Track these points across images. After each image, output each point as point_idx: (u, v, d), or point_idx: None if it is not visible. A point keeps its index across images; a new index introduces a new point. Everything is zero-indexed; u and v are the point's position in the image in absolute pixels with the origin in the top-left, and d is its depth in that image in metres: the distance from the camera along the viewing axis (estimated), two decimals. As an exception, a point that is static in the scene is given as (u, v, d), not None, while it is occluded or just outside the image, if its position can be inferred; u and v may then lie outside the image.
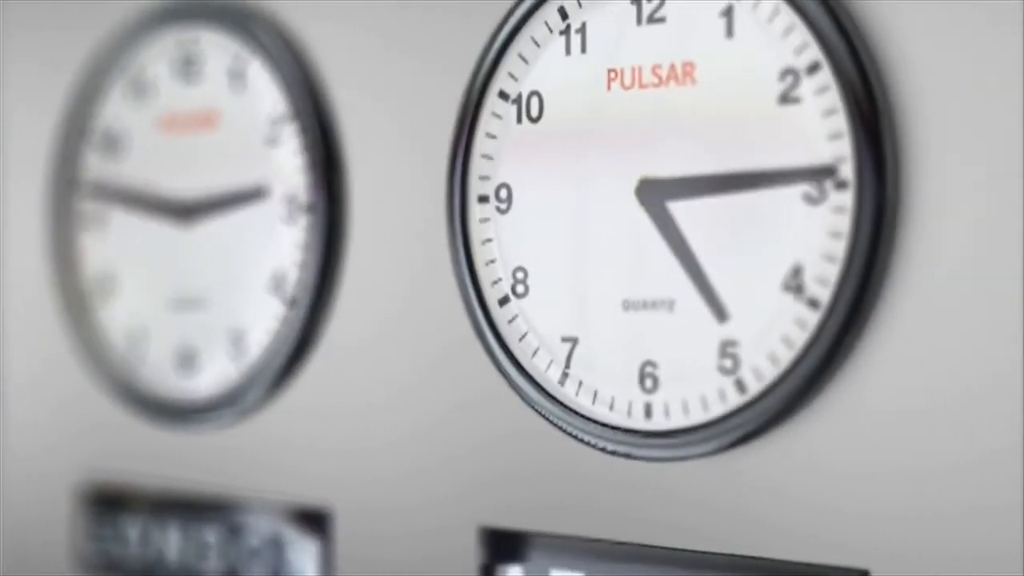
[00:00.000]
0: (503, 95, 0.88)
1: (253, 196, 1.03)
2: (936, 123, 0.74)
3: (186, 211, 1.07)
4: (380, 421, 0.97)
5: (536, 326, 0.87)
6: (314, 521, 1.00)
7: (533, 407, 0.86)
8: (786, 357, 0.77)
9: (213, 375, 1.06)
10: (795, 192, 0.77)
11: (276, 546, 1.02)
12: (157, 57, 1.11)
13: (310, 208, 0.99)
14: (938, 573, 0.73)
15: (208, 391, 1.06)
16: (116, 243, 1.14)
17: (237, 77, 1.05)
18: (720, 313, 0.79)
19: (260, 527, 1.03)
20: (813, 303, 0.76)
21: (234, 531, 1.05)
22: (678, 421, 0.81)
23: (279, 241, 1.01)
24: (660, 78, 0.82)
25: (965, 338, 0.72)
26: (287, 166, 1.01)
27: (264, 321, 1.02)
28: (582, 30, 0.85)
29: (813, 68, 0.76)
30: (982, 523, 0.72)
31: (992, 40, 0.72)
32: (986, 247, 0.72)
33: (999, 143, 0.72)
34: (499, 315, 0.88)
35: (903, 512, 0.75)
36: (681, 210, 0.81)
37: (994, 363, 0.71)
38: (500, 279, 0.88)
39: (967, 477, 0.72)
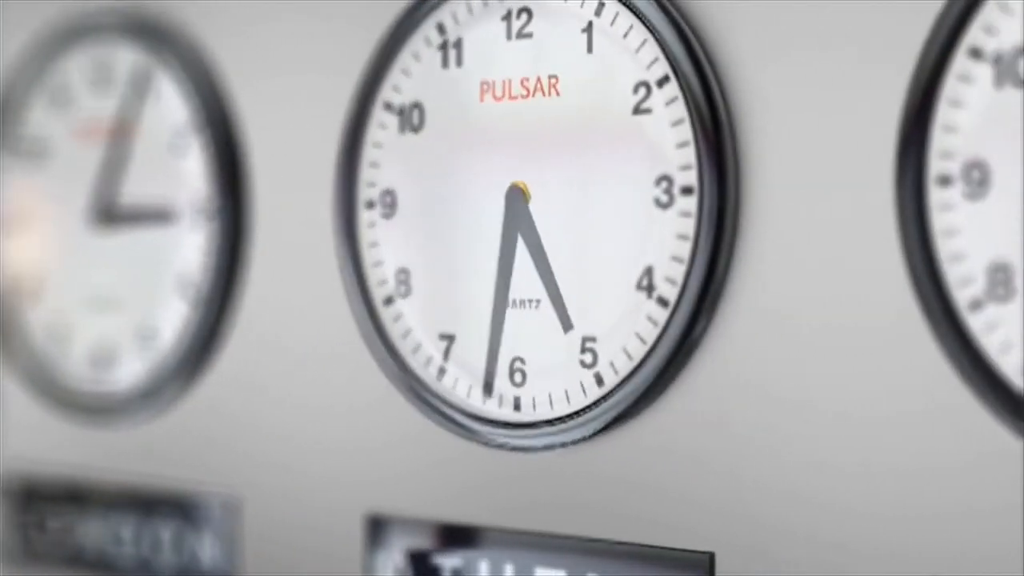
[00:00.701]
0: (388, 106, 0.93)
1: (161, 216, 1.09)
2: (773, 132, 0.79)
3: (104, 220, 1.12)
4: (284, 415, 1.01)
5: (417, 326, 0.92)
6: (224, 510, 1.05)
7: (413, 401, 0.92)
8: (639, 352, 0.82)
9: (129, 372, 1.11)
10: (648, 198, 0.82)
11: (187, 536, 1.07)
12: (74, 68, 1.15)
13: (215, 215, 1.04)
14: (783, 557, 0.78)
15: (124, 387, 1.11)
16: (37, 245, 1.18)
17: (147, 88, 1.10)
18: (566, 322, 0.85)
19: (172, 517, 1.08)
20: (663, 301, 0.81)
21: (148, 522, 1.10)
22: (543, 413, 0.86)
23: (187, 245, 1.06)
24: (528, 90, 0.87)
25: (800, 331, 0.78)
26: (193, 175, 1.06)
27: (173, 321, 1.07)
28: (458, 45, 0.91)
29: (663, 81, 0.81)
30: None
31: (824, 56, 0.77)
32: (819, 245, 0.77)
33: (829, 149, 0.77)
34: (387, 314, 0.94)
35: (749, 497, 0.80)
36: (543, 215, 0.86)
37: (826, 351, 0.77)
38: (386, 280, 0.93)
39: (808, 463, 0.78)
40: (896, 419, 0.75)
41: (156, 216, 1.09)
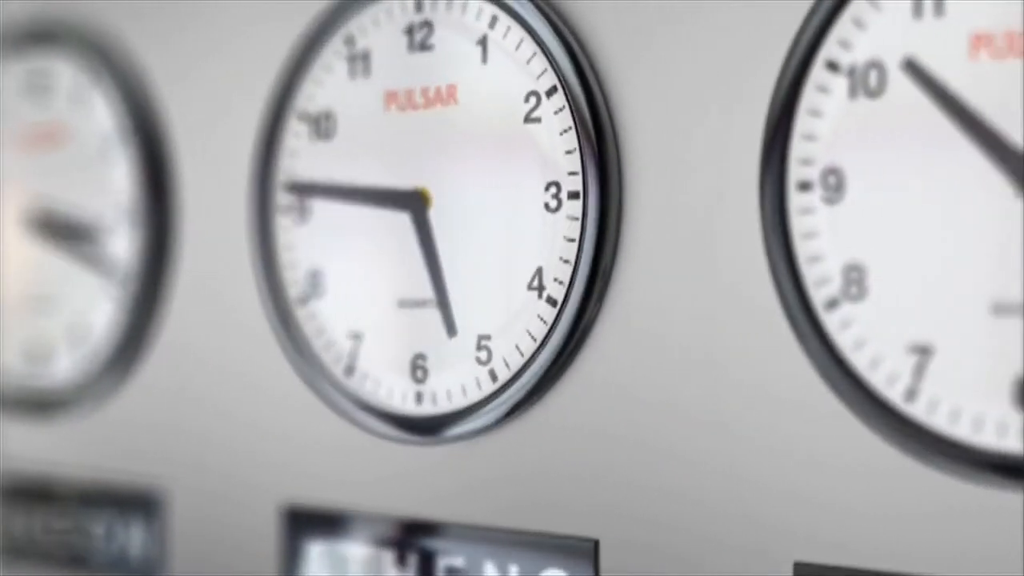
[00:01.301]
0: (302, 116, 0.98)
1: (84, 235, 1.14)
2: (651, 139, 0.83)
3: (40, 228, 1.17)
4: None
5: (329, 325, 0.96)
6: (150, 503, 1.09)
7: (323, 398, 0.96)
8: (529, 348, 0.86)
9: (63, 367, 1.15)
10: (538, 202, 0.86)
11: (117, 528, 1.11)
12: (8, 78, 1.19)
13: (143, 219, 1.09)
14: (663, 541, 0.83)
15: (59, 382, 1.16)
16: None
17: (78, 97, 1.14)
18: (451, 327, 0.90)
19: (103, 510, 1.13)
20: (552, 301, 0.86)
21: (81, 515, 1.14)
22: (443, 407, 0.90)
23: (117, 249, 1.11)
24: (428, 99, 0.92)
25: (675, 329, 0.82)
26: (121, 181, 1.11)
27: (105, 318, 1.12)
28: (366, 56, 0.95)
29: (551, 91, 0.86)
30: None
31: (696, 69, 0.82)
32: (693, 248, 0.82)
33: (699, 156, 0.81)
34: (301, 314, 0.98)
35: (631, 482, 0.84)
36: (443, 220, 0.91)
37: (697, 349, 0.81)
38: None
39: (680, 456, 0.82)
40: (760, 412, 0.79)
41: (86, 226, 1.13)
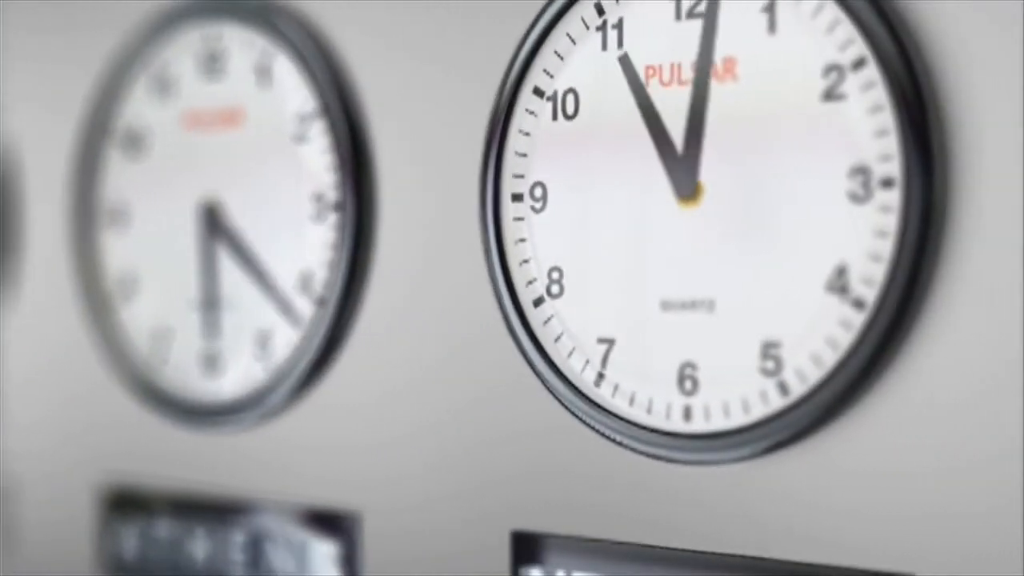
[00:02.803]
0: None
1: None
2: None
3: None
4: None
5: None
6: (340, 524, 0.98)
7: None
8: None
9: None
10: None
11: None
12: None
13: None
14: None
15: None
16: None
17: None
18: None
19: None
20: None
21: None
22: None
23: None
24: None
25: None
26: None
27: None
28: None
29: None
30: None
31: (432, 88, 0.90)
32: (430, 252, 0.89)
33: (438, 168, 0.90)
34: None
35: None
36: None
37: (432, 345, 0.90)
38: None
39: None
40: (474, 398, 0.90)
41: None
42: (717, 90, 0.80)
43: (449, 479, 0.93)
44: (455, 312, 0.92)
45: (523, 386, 0.88)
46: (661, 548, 0.82)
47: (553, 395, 0.86)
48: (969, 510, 0.72)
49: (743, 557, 0.79)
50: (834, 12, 0.75)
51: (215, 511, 1.06)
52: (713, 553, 0.80)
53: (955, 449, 0.73)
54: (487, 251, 0.89)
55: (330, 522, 0.98)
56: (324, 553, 0.99)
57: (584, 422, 0.85)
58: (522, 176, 0.87)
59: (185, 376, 1.08)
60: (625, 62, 0.83)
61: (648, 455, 0.82)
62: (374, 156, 0.96)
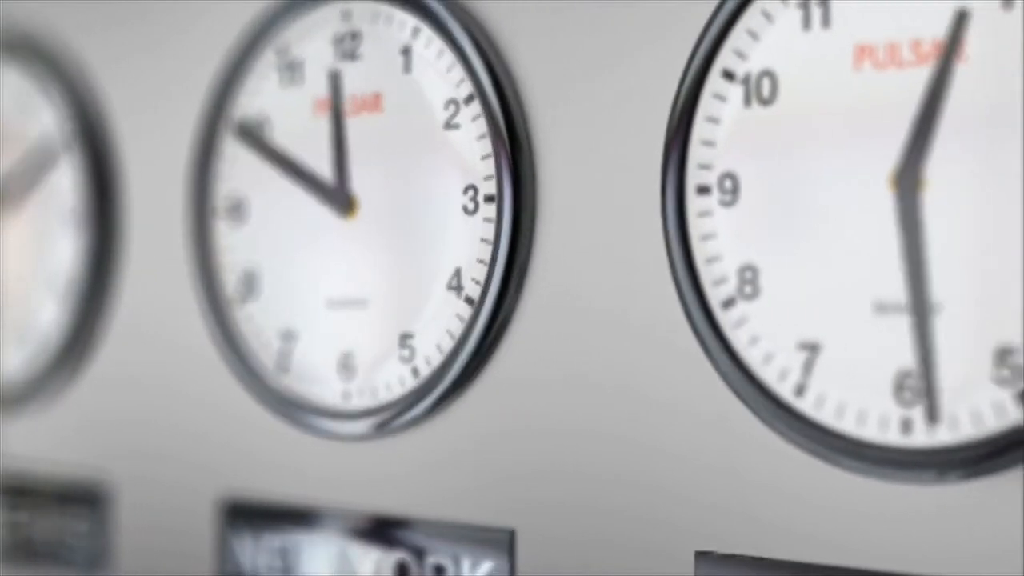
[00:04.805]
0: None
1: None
2: (563, 142, 0.87)
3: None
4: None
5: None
6: (498, 542, 0.91)
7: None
8: (448, 346, 0.91)
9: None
10: (457, 206, 0.90)
11: (62, 521, 1.14)
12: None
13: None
14: (578, 532, 0.86)
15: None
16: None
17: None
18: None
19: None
20: (469, 300, 0.90)
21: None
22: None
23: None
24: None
25: (594, 318, 0.86)
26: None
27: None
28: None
29: (469, 99, 0.90)
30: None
31: (604, 78, 0.86)
32: (606, 245, 0.86)
33: (611, 158, 0.86)
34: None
35: (550, 471, 0.87)
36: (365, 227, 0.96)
37: (614, 340, 0.86)
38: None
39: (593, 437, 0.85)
40: (659, 402, 0.83)
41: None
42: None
43: (618, 497, 0.86)
44: (629, 316, 0.86)
45: (712, 397, 0.81)
46: (853, 570, 0.76)
47: (747, 406, 0.79)
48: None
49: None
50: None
51: (343, 525, 1.00)
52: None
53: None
54: (669, 249, 0.82)
55: (480, 539, 0.91)
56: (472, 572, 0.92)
57: (784, 436, 0.77)
58: (709, 167, 0.81)
59: (312, 380, 1.00)
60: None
61: (856, 472, 0.75)
62: (534, 144, 0.90)
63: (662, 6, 0.84)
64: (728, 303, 0.80)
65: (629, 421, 0.85)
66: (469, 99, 0.91)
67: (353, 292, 0.98)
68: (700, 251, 0.81)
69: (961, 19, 0.72)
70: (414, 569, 0.95)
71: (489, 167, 0.90)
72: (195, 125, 1.09)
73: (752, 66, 0.79)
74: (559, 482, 0.88)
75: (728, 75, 0.80)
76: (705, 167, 0.81)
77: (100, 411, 1.17)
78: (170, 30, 1.12)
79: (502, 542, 0.90)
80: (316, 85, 1.00)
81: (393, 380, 0.95)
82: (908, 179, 0.73)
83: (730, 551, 0.81)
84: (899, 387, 0.74)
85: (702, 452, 0.82)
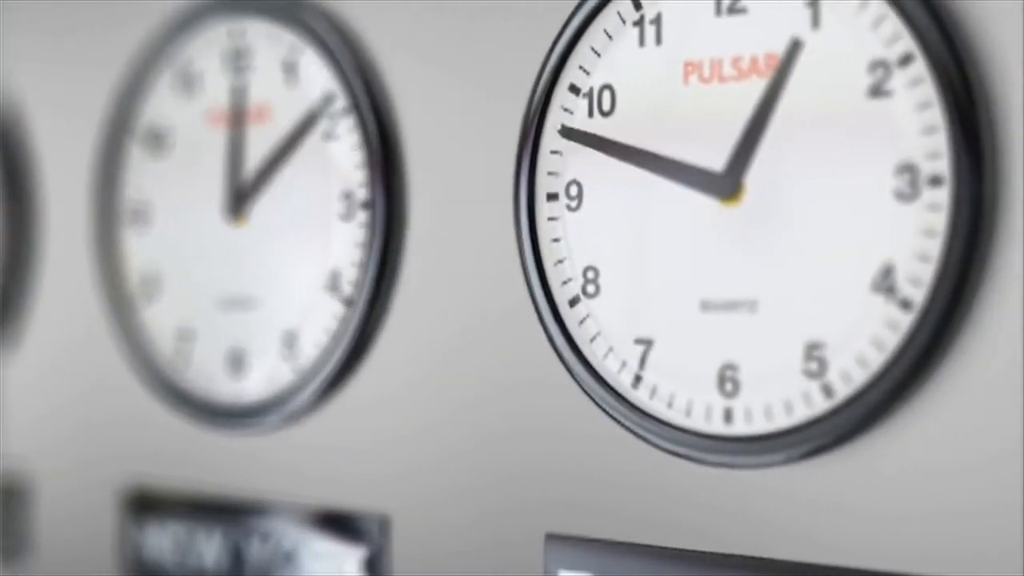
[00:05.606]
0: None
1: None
2: (430, 151, 0.90)
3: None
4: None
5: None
6: (368, 527, 0.97)
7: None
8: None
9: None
10: (334, 212, 0.91)
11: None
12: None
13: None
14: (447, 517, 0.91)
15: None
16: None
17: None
18: None
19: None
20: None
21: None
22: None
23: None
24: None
25: (456, 316, 0.89)
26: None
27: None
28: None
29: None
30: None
31: (468, 87, 0.89)
32: (466, 249, 0.89)
33: (471, 165, 0.88)
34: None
35: (422, 460, 0.92)
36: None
37: (475, 338, 0.89)
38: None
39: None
40: (514, 394, 0.89)
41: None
42: (756, 87, 0.78)
43: (480, 482, 0.92)
44: (487, 313, 0.91)
45: (558, 388, 0.87)
46: (697, 552, 0.81)
47: (589, 397, 0.84)
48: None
49: (782, 562, 0.78)
50: (880, 7, 0.74)
51: (239, 514, 1.05)
52: (752, 557, 0.79)
53: (1001, 452, 0.71)
54: (521, 250, 0.87)
55: (357, 525, 0.97)
56: (351, 557, 0.97)
57: (621, 424, 0.83)
58: (557, 174, 0.86)
59: (209, 377, 1.06)
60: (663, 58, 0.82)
61: (686, 458, 0.81)
62: (404, 153, 0.95)
63: (517, 24, 0.90)
64: (574, 301, 0.86)
65: (488, 413, 0.91)
66: (345, 112, 0.97)
67: (243, 293, 1.04)
68: (549, 253, 0.86)
69: (795, 46, 0.77)
70: (297, 554, 1.01)
71: (363, 175, 0.96)
72: (100, 131, 1.14)
73: (595, 80, 0.85)
74: (429, 470, 0.94)
75: (574, 89, 0.85)
76: (553, 174, 0.86)
77: (15, 408, 1.23)
78: (79, 36, 1.18)
79: (382, 526, 0.95)
80: (212, 97, 1.06)
81: (276, 376, 1.01)
82: (729, 186, 0.79)
83: (577, 533, 0.86)
84: (722, 379, 0.79)
85: (551, 440, 0.88)
